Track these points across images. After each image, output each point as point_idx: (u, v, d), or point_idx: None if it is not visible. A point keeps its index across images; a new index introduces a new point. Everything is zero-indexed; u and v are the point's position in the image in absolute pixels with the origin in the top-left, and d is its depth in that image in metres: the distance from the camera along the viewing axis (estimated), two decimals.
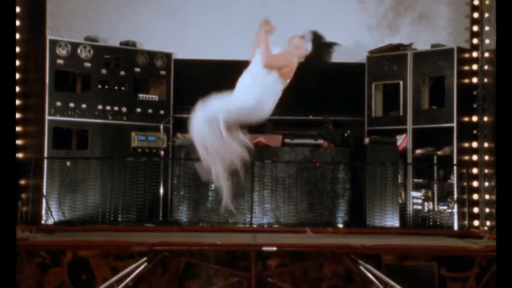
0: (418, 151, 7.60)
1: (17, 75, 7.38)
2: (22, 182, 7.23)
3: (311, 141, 7.46)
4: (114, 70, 7.59)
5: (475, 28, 7.77)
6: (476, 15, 7.77)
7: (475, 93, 7.56)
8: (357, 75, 7.90)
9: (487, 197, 7.36)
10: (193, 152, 7.28)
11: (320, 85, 7.95)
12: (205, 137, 4.81)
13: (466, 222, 7.30)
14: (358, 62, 7.97)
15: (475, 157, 7.49)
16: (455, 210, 7.25)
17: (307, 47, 5.18)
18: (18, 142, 7.33)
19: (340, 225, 7.14)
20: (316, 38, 5.23)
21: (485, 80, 7.50)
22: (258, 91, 5.02)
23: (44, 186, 7.06)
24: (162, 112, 7.75)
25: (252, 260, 4.74)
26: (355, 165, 7.35)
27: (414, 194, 7.42)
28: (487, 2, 7.62)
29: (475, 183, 7.43)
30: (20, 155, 7.29)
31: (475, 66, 7.59)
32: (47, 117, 7.17)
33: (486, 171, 7.40)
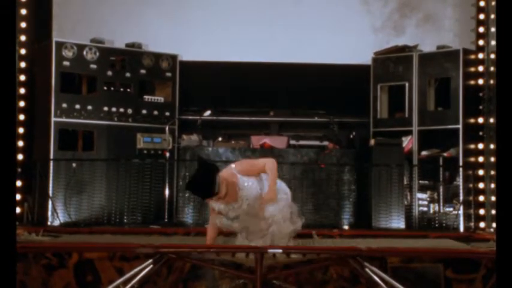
0: (424, 153, 7.58)
1: (23, 77, 7.41)
2: (28, 183, 7.25)
3: (316, 142, 7.48)
4: (120, 72, 7.60)
5: (481, 29, 7.75)
6: (482, 16, 7.75)
7: (481, 94, 7.55)
8: (362, 77, 7.89)
9: (493, 198, 7.34)
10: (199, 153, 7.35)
11: (325, 86, 7.97)
12: None
13: (472, 224, 7.29)
14: (364, 63, 7.96)
15: (481, 159, 7.47)
16: (461, 212, 7.24)
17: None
18: (24, 144, 7.35)
19: (346, 227, 7.14)
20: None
21: (491, 82, 7.49)
22: None
23: (50, 188, 7.09)
24: (167, 114, 7.76)
25: (257, 262, 4.73)
26: (361, 167, 7.34)
27: (420, 195, 7.42)
28: (493, 4, 7.60)
29: (481, 185, 7.41)
30: (25, 157, 7.31)
31: (480, 68, 7.58)
32: (53, 119, 7.20)
33: (492, 172, 7.39)
